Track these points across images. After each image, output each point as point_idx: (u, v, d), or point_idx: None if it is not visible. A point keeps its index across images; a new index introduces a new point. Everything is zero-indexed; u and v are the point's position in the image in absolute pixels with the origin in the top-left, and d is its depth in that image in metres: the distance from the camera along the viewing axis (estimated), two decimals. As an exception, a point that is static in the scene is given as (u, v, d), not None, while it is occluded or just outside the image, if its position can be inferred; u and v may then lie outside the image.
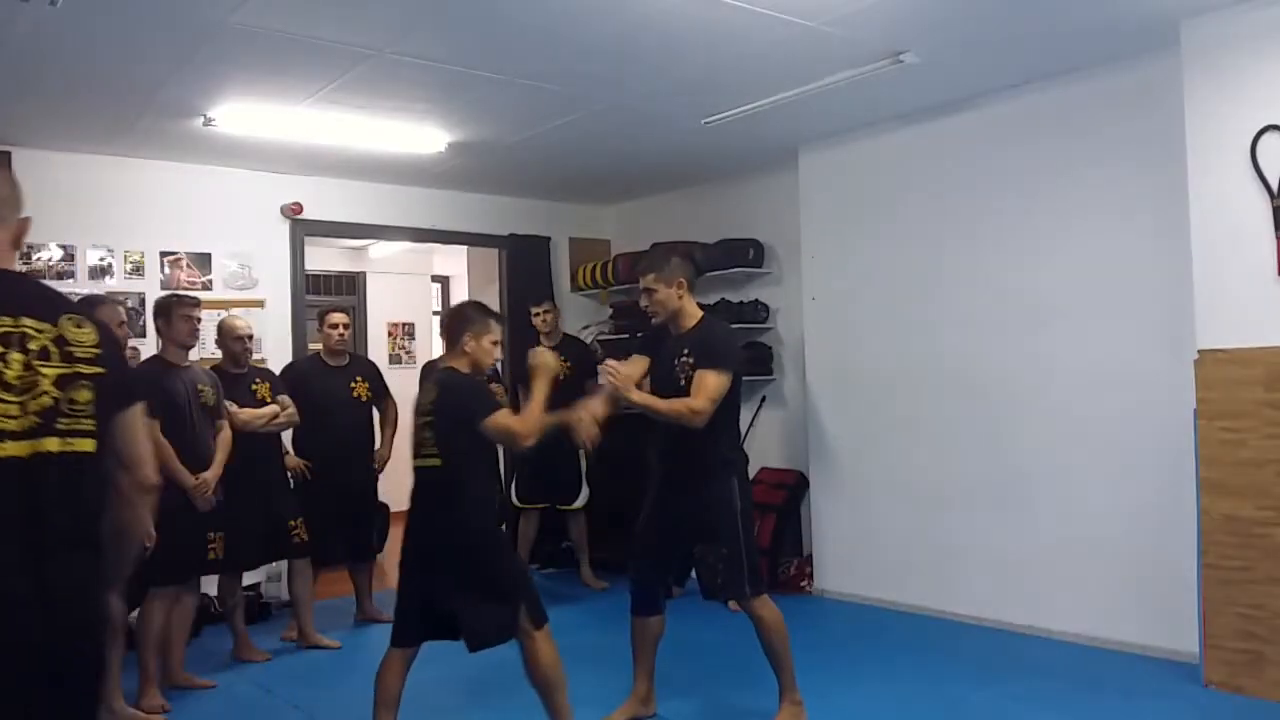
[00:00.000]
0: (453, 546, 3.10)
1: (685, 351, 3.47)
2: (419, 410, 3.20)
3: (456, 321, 3.28)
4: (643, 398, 3.42)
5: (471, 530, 3.12)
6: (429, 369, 3.40)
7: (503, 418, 3.11)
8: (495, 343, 3.29)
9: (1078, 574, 4.47)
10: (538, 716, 3.22)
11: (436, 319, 8.59)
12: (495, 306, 7.10)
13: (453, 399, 3.14)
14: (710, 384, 3.36)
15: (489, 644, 3.11)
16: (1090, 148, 4.43)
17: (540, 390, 3.19)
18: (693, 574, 3.65)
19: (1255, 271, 3.67)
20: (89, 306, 3.64)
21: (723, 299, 6.20)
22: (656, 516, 3.58)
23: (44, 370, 1.68)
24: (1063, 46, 4.15)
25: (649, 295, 3.56)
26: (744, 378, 5.71)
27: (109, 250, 5.42)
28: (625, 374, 3.41)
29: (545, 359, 3.30)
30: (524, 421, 3.13)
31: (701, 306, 3.54)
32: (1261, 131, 3.65)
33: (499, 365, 6.13)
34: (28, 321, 1.69)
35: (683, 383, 3.44)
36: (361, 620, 5.32)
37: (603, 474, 5.91)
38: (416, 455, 3.19)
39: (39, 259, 5.18)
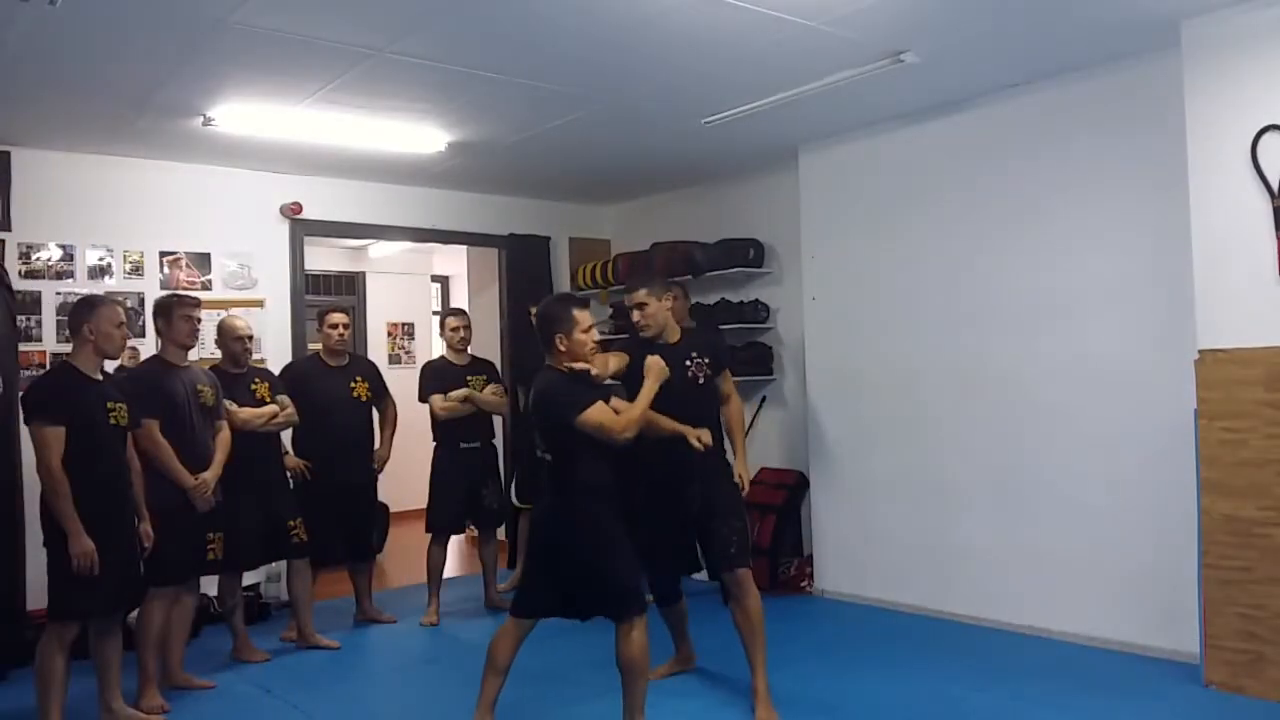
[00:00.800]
0: (564, 531, 3.29)
1: (694, 355, 3.77)
2: (527, 412, 3.41)
3: (544, 325, 3.37)
4: (740, 450, 3.99)
5: (578, 515, 3.28)
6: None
7: (595, 414, 3.21)
8: (588, 330, 3.34)
9: (1078, 574, 4.47)
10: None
11: (436, 318, 8.59)
12: (495, 306, 7.14)
13: (544, 401, 3.29)
14: (731, 381, 4.00)
15: (594, 615, 3.33)
16: (1090, 147, 4.43)
17: (648, 391, 3.37)
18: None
19: (1255, 271, 3.67)
20: (87, 307, 3.67)
21: (723, 299, 6.20)
22: (670, 511, 3.77)
23: None
24: (1063, 46, 4.15)
25: (641, 310, 3.79)
26: (744, 378, 5.87)
27: (108, 250, 5.42)
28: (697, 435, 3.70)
29: (659, 364, 3.48)
30: (620, 418, 3.26)
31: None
32: (1261, 131, 3.65)
33: (498, 366, 6.14)
34: None
35: (701, 381, 3.81)
36: (361, 621, 5.32)
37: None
38: (539, 448, 3.40)
39: (38, 259, 5.18)
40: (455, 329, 5.48)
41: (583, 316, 3.33)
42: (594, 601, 3.31)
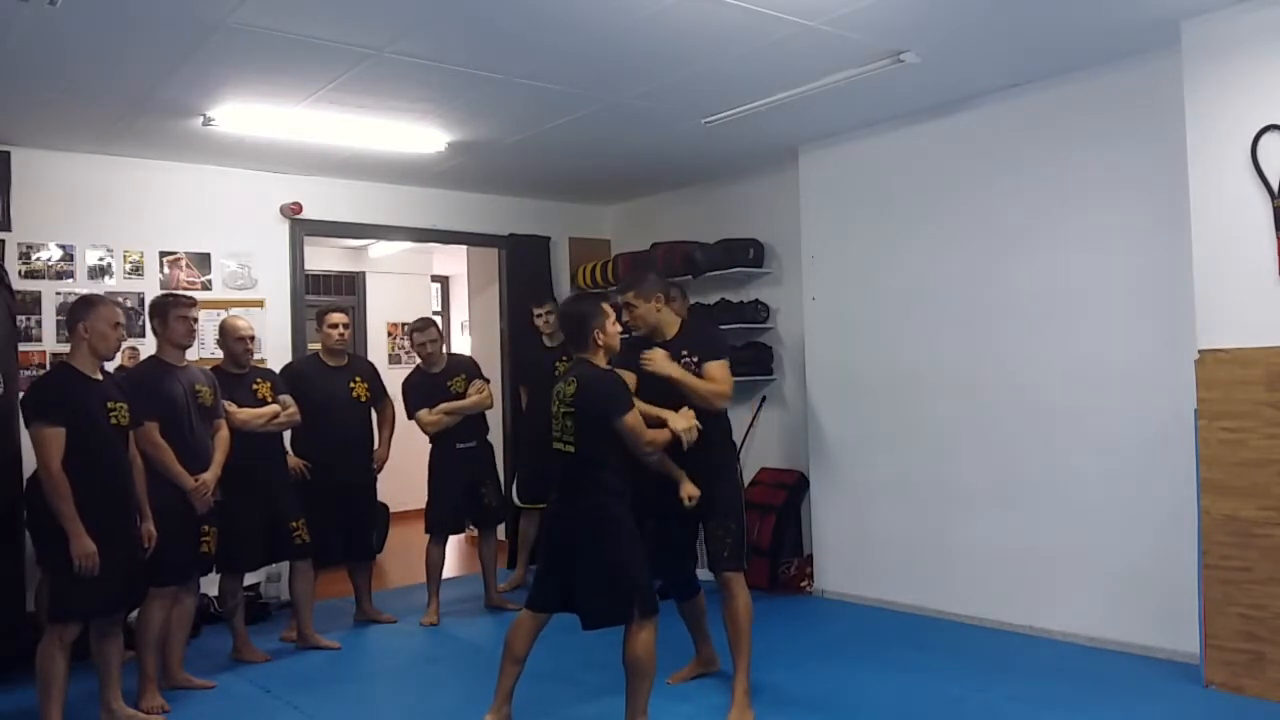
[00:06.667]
0: (580, 527, 3.33)
1: (685, 352, 3.72)
2: (560, 399, 3.38)
3: (579, 321, 3.46)
4: (680, 372, 3.66)
5: (598, 515, 3.32)
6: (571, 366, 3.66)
7: (634, 419, 3.33)
8: (615, 322, 3.52)
9: (1078, 574, 4.47)
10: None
11: (437, 318, 8.57)
12: (495, 306, 7.15)
13: (592, 397, 3.33)
14: (721, 371, 3.72)
15: (601, 624, 3.31)
16: (1090, 148, 4.43)
17: (688, 378, 3.58)
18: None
19: (1255, 271, 3.67)
20: (84, 306, 3.67)
21: (723, 299, 6.20)
22: (673, 506, 3.72)
23: None
24: (1063, 46, 4.15)
25: (629, 310, 3.82)
26: (744, 378, 5.86)
27: (108, 250, 5.41)
28: (658, 355, 3.66)
29: (660, 356, 3.63)
30: (652, 433, 3.40)
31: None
32: (1261, 131, 3.65)
33: (497, 366, 6.15)
34: None
35: None
36: (361, 620, 5.32)
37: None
38: (558, 439, 3.41)
39: (38, 259, 5.18)
40: (421, 344, 5.44)
41: (611, 310, 3.51)
42: (600, 603, 3.29)
